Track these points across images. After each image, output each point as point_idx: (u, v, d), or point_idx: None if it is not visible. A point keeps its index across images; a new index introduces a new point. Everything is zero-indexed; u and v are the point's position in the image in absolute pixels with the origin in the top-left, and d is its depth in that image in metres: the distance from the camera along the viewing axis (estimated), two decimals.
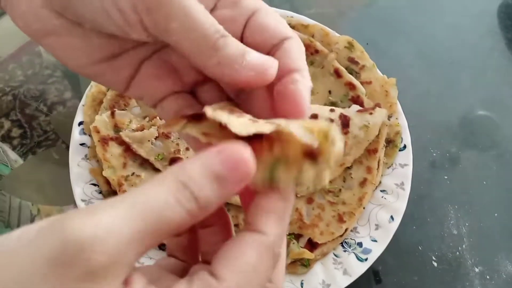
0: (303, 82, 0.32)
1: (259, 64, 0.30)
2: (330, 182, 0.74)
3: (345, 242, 0.72)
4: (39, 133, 0.86)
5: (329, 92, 0.82)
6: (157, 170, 0.73)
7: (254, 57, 0.30)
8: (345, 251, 0.71)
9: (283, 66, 0.31)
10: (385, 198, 0.74)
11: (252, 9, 0.32)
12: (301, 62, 0.33)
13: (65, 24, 0.32)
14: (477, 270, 0.75)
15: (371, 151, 0.75)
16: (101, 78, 0.36)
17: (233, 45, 0.30)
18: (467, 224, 0.79)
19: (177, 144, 0.75)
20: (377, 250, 0.69)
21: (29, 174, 0.80)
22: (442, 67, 0.98)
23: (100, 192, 0.73)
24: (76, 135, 0.75)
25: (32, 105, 0.88)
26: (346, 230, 0.71)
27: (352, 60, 0.84)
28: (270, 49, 0.32)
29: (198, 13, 0.29)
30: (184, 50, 0.30)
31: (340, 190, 0.74)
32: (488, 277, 0.74)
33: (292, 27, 0.85)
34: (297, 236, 0.71)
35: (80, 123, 0.76)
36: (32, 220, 0.79)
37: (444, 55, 1.00)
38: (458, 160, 0.85)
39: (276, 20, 0.32)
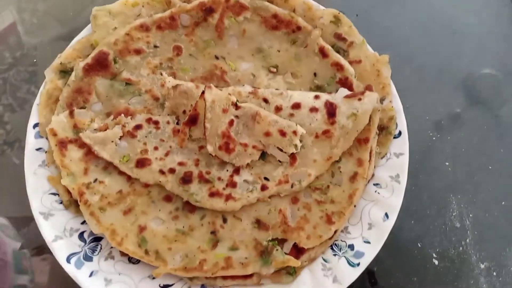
0: None
1: None
2: (317, 178, 0.66)
3: (335, 244, 0.65)
4: None
5: (314, 74, 0.73)
6: (122, 174, 0.66)
7: None
8: (335, 254, 0.64)
9: None
10: (378, 193, 0.66)
11: None
12: None
13: None
14: (482, 266, 0.68)
15: (361, 141, 0.67)
16: None
17: None
18: (471, 215, 0.71)
19: (145, 144, 0.67)
20: (370, 253, 0.62)
21: None
22: (442, 38, 0.89)
23: (61, 203, 0.65)
24: (31, 139, 0.67)
25: (23, 88, 0.82)
26: (335, 231, 0.64)
27: (339, 37, 0.74)
28: None
29: None
30: None
31: (328, 186, 0.66)
32: (495, 273, 0.67)
33: (271, 1, 0.76)
34: (281, 241, 0.64)
35: (35, 125, 0.68)
36: None
37: (444, 25, 0.90)
38: (461, 143, 0.77)
39: None
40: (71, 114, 0.68)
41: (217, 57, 0.74)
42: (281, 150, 0.66)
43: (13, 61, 0.84)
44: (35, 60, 0.83)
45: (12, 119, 0.80)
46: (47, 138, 0.68)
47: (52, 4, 0.90)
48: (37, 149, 0.67)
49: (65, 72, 0.71)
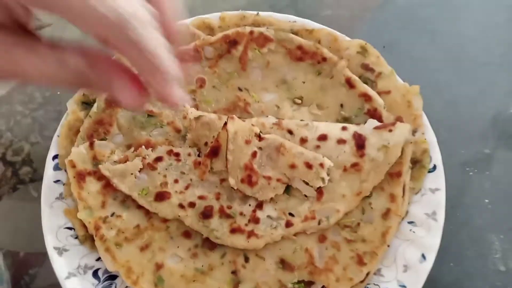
0: None
1: None
2: (346, 214, 0.62)
3: None
4: None
5: (341, 105, 0.70)
6: (140, 208, 0.63)
7: None
8: None
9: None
10: (414, 232, 0.61)
11: None
12: None
13: None
14: None
15: (393, 175, 0.63)
16: None
17: None
18: None
19: (164, 176, 0.65)
20: None
21: (3, 216, 0.71)
22: (474, 69, 0.85)
23: (76, 237, 0.63)
24: (49, 171, 0.66)
25: (50, 126, 0.82)
26: (367, 274, 0.59)
27: (366, 67, 0.72)
28: None
29: None
30: None
31: (358, 224, 0.62)
32: None
33: (295, 33, 0.74)
34: (308, 284, 0.59)
35: (55, 157, 0.67)
36: None
37: (476, 55, 0.86)
38: (501, 179, 0.71)
39: None
40: (91, 145, 0.66)
41: (240, 89, 0.72)
42: (307, 183, 0.63)
43: (42, 100, 0.85)
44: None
45: (39, 157, 0.79)
46: (65, 170, 0.66)
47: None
48: (55, 181, 0.66)
49: (87, 103, 0.71)
